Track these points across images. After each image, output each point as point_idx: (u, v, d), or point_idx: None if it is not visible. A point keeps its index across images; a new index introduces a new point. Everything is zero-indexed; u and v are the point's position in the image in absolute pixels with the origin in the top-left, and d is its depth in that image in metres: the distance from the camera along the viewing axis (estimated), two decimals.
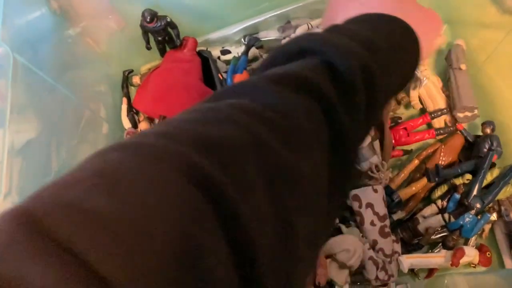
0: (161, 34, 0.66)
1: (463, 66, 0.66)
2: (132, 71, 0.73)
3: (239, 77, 0.61)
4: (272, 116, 0.22)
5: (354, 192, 0.55)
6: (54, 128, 0.54)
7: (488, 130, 0.61)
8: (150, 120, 0.69)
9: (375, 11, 0.32)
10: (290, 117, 0.23)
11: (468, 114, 0.65)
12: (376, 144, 0.58)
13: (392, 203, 0.59)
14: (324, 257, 0.51)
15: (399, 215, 0.60)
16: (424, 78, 0.63)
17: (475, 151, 0.61)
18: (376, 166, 0.55)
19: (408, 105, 0.67)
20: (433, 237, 0.58)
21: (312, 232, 0.22)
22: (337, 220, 0.56)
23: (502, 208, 0.58)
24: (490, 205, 0.57)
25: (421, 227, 0.58)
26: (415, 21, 0.32)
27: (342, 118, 0.24)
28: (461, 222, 0.56)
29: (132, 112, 0.70)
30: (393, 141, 0.62)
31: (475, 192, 0.56)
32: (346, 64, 0.25)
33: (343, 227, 0.55)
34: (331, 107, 0.24)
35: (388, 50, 0.29)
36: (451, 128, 0.63)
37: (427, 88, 0.64)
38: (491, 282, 0.58)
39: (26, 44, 0.50)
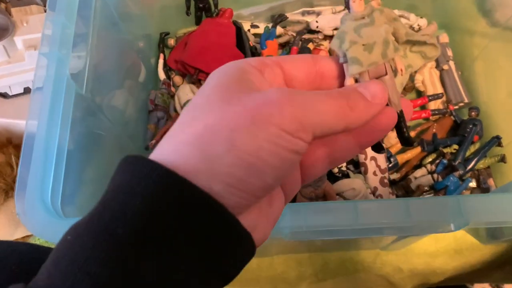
0: (203, 1, 0.76)
1: (445, 66, 0.78)
2: (168, 33, 0.82)
3: (270, 43, 0.71)
4: None
5: None
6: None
7: (473, 114, 0.72)
8: (183, 75, 0.78)
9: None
10: None
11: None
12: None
13: (390, 165, 0.69)
14: (335, 193, 0.61)
15: (394, 176, 0.70)
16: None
17: (461, 130, 0.72)
18: None
19: (410, 90, 0.78)
20: (421, 197, 0.68)
21: None
22: (345, 168, 0.65)
23: (481, 177, 0.69)
24: (470, 173, 0.68)
25: (413, 185, 0.68)
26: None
27: None
28: (447, 183, 0.66)
29: (167, 67, 0.79)
30: None
31: (459, 159, 0.67)
32: None
33: (350, 173, 0.64)
34: None
35: None
36: (445, 110, 0.74)
37: (430, 75, 0.76)
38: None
39: None
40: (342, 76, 0.27)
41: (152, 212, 0.20)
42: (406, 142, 0.27)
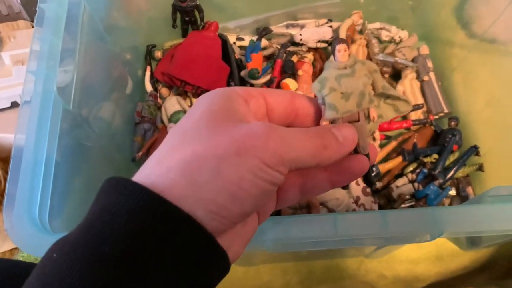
0: (189, 15, 0.77)
1: (425, 78, 0.80)
2: (155, 46, 0.83)
3: (255, 56, 0.72)
4: None
5: None
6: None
7: (453, 124, 0.75)
8: (170, 87, 0.79)
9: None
10: None
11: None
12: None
13: (372, 174, 0.70)
14: (318, 203, 0.62)
15: (376, 185, 0.71)
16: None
17: (441, 139, 0.74)
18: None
19: None
20: (402, 206, 0.70)
21: None
22: None
23: (460, 186, 0.71)
24: (450, 182, 0.70)
25: (394, 194, 0.69)
26: None
27: None
28: (427, 192, 0.68)
29: (154, 79, 0.80)
30: (377, 126, 0.75)
31: (439, 168, 0.69)
32: None
33: None
34: None
35: None
36: (425, 120, 0.76)
37: (411, 86, 0.79)
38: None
39: None
40: (315, 114, 0.30)
41: (137, 231, 0.21)
42: (368, 182, 0.30)
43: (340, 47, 0.29)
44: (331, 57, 0.30)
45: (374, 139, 0.71)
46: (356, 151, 0.29)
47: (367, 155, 0.29)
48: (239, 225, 0.26)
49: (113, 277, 0.20)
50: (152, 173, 0.23)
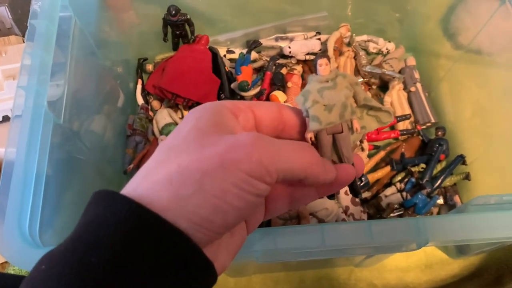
0: (180, 28, 0.78)
1: (412, 89, 0.82)
2: (146, 59, 0.84)
3: (245, 68, 0.73)
4: None
5: None
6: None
7: (440, 133, 0.76)
8: (161, 100, 0.80)
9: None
10: None
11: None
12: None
13: (361, 184, 0.71)
14: (308, 214, 0.63)
15: (365, 194, 0.72)
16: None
17: (428, 149, 0.75)
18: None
19: None
20: (392, 215, 0.71)
21: None
22: None
23: (448, 194, 0.72)
24: (437, 191, 0.71)
25: (383, 203, 0.70)
26: None
27: None
28: (415, 201, 0.69)
29: (145, 92, 0.81)
30: (366, 137, 0.76)
31: (427, 177, 0.70)
32: None
33: None
34: None
35: None
36: (412, 130, 0.78)
37: (399, 97, 0.80)
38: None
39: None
40: (301, 125, 0.30)
41: (124, 242, 0.21)
42: (354, 192, 0.31)
43: (321, 62, 0.30)
44: (314, 72, 0.31)
45: (362, 149, 0.72)
46: (341, 162, 0.30)
47: (353, 165, 0.30)
48: (226, 235, 0.26)
49: (101, 287, 0.20)
50: (138, 186, 0.24)
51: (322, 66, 0.30)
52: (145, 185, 0.24)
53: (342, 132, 0.30)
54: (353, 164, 0.30)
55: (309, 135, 0.29)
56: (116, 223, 0.22)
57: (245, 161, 0.23)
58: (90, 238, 0.21)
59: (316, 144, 0.30)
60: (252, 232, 0.30)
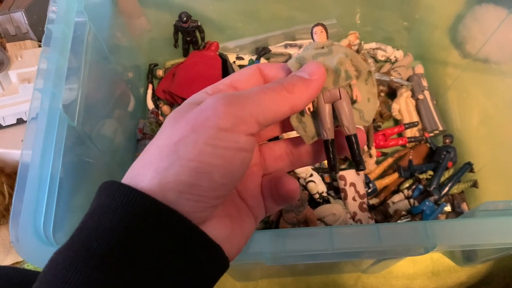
0: (190, 35, 0.79)
1: (420, 96, 0.82)
2: (157, 64, 0.85)
3: None
4: None
5: (341, 173, 0.68)
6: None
7: (447, 141, 0.76)
8: (171, 105, 0.81)
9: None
10: None
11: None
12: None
13: (369, 190, 0.72)
14: (316, 218, 0.63)
15: (373, 201, 0.73)
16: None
17: (436, 156, 0.75)
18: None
19: (387, 118, 0.82)
20: (399, 221, 0.71)
21: None
22: (325, 194, 0.68)
23: (455, 202, 0.72)
24: (445, 198, 0.72)
25: (391, 210, 0.71)
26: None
27: None
28: (423, 208, 0.69)
29: (155, 97, 0.82)
30: (374, 143, 0.77)
31: (434, 185, 0.70)
32: None
33: (331, 198, 0.67)
34: None
35: None
36: (420, 137, 0.78)
37: (407, 104, 0.80)
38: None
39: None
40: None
41: (121, 226, 0.22)
42: (357, 164, 0.29)
43: (316, 29, 0.30)
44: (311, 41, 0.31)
45: (370, 155, 0.73)
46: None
47: (355, 136, 0.29)
48: (234, 213, 0.27)
49: (101, 269, 0.21)
50: (128, 176, 0.25)
51: (317, 33, 0.30)
52: (130, 174, 0.25)
53: (340, 99, 0.28)
54: (355, 135, 0.29)
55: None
56: (113, 210, 0.23)
57: (212, 117, 0.23)
58: (92, 225, 0.23)
59: (314, 113, 0.29)
60: (260, 219, 0.30)
